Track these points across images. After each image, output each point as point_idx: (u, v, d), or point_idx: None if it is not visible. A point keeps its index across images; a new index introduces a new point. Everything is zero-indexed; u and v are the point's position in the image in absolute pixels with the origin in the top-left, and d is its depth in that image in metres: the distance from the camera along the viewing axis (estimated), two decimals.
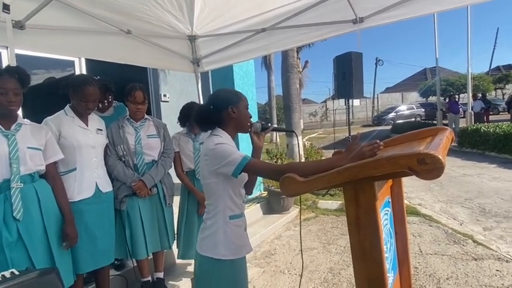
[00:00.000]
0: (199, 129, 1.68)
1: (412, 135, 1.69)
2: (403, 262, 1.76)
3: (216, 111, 1.58)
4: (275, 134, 11.60)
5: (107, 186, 2.34)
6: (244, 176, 1.58)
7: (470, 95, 12.93)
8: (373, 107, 33.22)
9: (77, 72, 4.73)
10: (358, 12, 2.42)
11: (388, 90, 46.17)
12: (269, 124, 1.76)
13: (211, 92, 5.70)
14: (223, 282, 1.55)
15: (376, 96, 35.33)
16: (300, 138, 7.04)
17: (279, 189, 4.94)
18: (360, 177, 1.17)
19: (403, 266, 1.76)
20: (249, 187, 1.74)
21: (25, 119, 1.95)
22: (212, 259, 1.53)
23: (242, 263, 1.64)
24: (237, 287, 1.59)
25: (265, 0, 2.64)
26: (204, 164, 1.57)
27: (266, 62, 15.42)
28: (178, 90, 6.38)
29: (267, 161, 1.84)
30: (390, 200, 1.67)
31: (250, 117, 1.67)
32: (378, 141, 1.27)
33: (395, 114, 25.15)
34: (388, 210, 1.61)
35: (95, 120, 2.36)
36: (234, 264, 1.56)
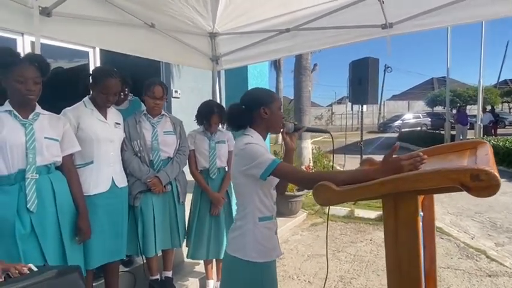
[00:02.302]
0: (229, 128, 1.62)
1: (447, 147, 1.63)
2: (430, 276, 1.70)
3: (247, 111, 1.54)
4: (281, 135, 11.48)
5: (122, 182, 2.29)
6: (274, 178, 1.53)
7: (481, 107, 12.80)
8: (380, 113, 33.07)
9: (91, 63, 4.69)
10: (388, 17, 2.35)
11: (394, 97, 45.99)
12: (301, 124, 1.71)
13: (224, 91, 5.63)
14: (251, 285, 1.51)
15: (382, 103, 35.18)
16: (308, 141, 6.99)
17: (288, 193, 4.90)
18: (404, 190, 1.11)
19: (429, 281, 1.70)
20: (280, 188, 1.69)
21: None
22: (241, 260, 1.49)
23: (271, 267, 1.59)
24: None
25: (293, 0, 2.57)
26: (234, 163, 1.53)
27: (276, 62, 15.34)
28: (190, 87, 6.34)
29: (298, 167, 1.78)
30: (422, 214, 1.61)
31: (283, 118, 1.62)
32: (421, 153, 1.19)
33: (401, 122, 25.04)
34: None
35: (114, 114, 2.32)
36: (263, 267, 1.52)
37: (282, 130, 1.63)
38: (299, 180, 1.41)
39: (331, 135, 1.77)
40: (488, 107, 17.30)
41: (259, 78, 5.34)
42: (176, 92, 6.06)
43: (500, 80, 35.38)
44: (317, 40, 2.72)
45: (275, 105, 1.56)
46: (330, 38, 2.65)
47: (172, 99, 5.99)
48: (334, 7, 2.43)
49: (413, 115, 26.65)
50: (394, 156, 1.20)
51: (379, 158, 1.40)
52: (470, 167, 1.04)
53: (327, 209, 5.25)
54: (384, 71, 34.19)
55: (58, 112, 2.04)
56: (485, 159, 1.19)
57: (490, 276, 3.17)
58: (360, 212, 5.02)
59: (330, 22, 2.54)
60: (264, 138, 1.58)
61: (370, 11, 2.35)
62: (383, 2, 2.23)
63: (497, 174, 0.98)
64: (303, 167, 6.42)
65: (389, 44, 2.39)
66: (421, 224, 1.61)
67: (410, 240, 1.17)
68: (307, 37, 2.76)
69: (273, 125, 1.58)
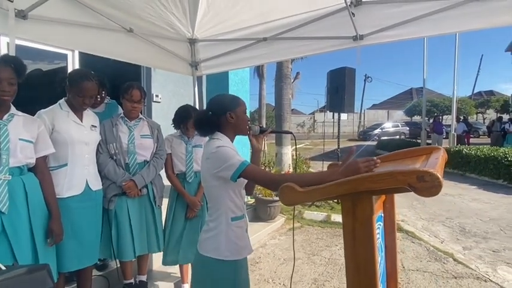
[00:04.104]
0: (199, 134, 1.69)
1: (407, 152, 1.73)
2: (391, 276, 1.79)
3: (214, 117, 1.60)
4: (264, 142, 11.55)
5: (97, 184, 2.29)
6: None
7: (455, 117, 13.32)
8: (360, 122, 33.82)
9: (69, 66, 4.65)
10: (359, 29, 2.48)
11: (374, 106, 47.16)
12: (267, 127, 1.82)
13: (205, 96, 5.68)
14: (225, 283, 1.56)
15: (363, 111, 36.01)
16: (289, 147, 7.10)
17: (267, 197, 4.98)
18: (360, 190, 1.19)
19: (390, 280, 1.79)
20: (249, 188, 1.76)
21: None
22: (214, 260, 1.55)
23: (244, 264, 1.65)
24: (239, 287, 1.60)
25: (269, 10, 2.68)
26: (205, 167, 1.58)
27: (259, 70, 15.48)
28: (171, 92, 6.34)
29: (264, 169, 1.85)
30: (382, 215, 1.70)
31: (249, 121, 1.70)
32: (375, 158, 1.30)
33: (380, 130, 25.65)
34: (380, 225, 1.63)
35: (90, 116, 2.32)
36: (236, 265, 1.58)
37: (248, 133, 1.71)
38: (266, 182, 1.49)
39: (294, 135, 1.95)
40: (462, 117, 17.99)
41: (240, 84, 5.43)
42: (157, 96, 6.06)
43: (475, 92, 36.96)
44: (291, 49, 2.83)
45: (240, 110, 1.63)
46: (303, 47, 2.76)
47: (153, 103, 5.98)
48: (308, 18, 2.55)
49: (392, 124, 27.40)
50: (352, 159, 1.31)
51: None
52: (416, 169, 1.13)
53: (304, 214, 5.35)
54: (364, 80, 35.11)
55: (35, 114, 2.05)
56: (434, 163, 1.29)
57: (455, 278, 3.31)
58: (336, 217, 5.14)
59: (304, 32, 2.66)
60: (232, 141, 1.64)
61: (342, 23, 2.47)
62: (353, 15, 2.35)
63: (440, 176, 1.07)
64: (283, 172, 6.52)
65: (359, 54, 2.52)
66: (382, 224, 1.71)
67: (366, 238, 1.25)
68: (282, 45, 2.86)
69: (239, 128, 1.65)
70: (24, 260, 1.77)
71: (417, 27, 2.37)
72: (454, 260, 3.74)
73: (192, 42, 3.23)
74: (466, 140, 14.53)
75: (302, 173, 1.61)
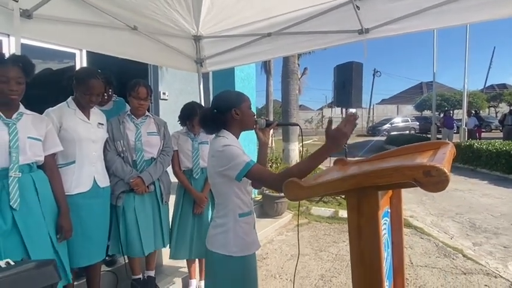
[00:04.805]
0: (205, 132, 1.69)
1: (414, 147, 1.71)
2: (398, 272, 1.78)
3: (219, 114, 1.61)
4: (271, 138, 11.58)
5: (104, 181, 2.32)
6: None
7: (465, 111, 13.11)
8: (369, 117, 33.51)
9: (78, 65, 4.70)
10: (364, 23, 2.45)
11: (384, 101, 46.66)
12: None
13: (212, 93, 5.67)
14: (234, 278, 1.57)
15: (372, 106, 35.67)
16: (296, 144, 7.08)
17: (274, 194, 4.98)
18: (365, 185, 1.17)
19: (397, 276, 1.77)
20: (256, 183, 1.75)
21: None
22: (223, 255, 1.56)
23: (252, 260, 1.66)
24: (247, 283, 1.62)
25: (273, 6, 2.66)
26: (211, 164, 1.59)
27: (266, 66, 15.44)
28: (178, 89, 6.36)
29: (269, 170, 1.84)
30: (389, 211, 1.69)
31: (254, 116, 1.70)
32: (351, 111, 1.31)
33: (390, 125, 25.40)
34: (386, 220, 1.62)
35: (97, 114, 2.35)
36: (245, 260, 1.59)
37: (255, 126, 1.71)
38: (270, 182, 1.48)
39: (300, 127, 1.96)
40: (473, 111, 17.68)
41: (246, 81, 5.42)
42: (164, 94, 6.08)
43: (487, 85, 36.26)
44: (295, 44, 2.81)
45: (245, 105, 1.63)
46: (307, 42, 2.74)
47: (160, 101, 6.00)
48: (312, 13, 2.53)
49: (402, 119, 27.09)
50: (333, 128, 1.32)
51: None
52: (423, 163, 1.11)
53: (312, 210, 5.33)
54: (373, 75, 34.72)
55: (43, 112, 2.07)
56: (441, 158, 1.27)
57: (465, 274, 3.27)
58: (344, 213, 5.11)
59: (309, 27, 2.63)
60: (238, 137, 1.65)
61: (347, 17, 2.44)
62: (358, 8, 2.32)
63: (447, 170, 1.05)
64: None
65: (365, 48, 2.49)
66: (389, 220, 1.70)
67: (372, 234, 1.24)
68: (286, 41, 2.85)
69: (245, 123, 1.65)
70: (37, 255, 1.80)
71: (422, 20, 2.34)
72: (464, 256, 3.69)
73: (197, 39, 3.23)
74: (477, 134, 14.27)
75: (299, 162, 1.61)
